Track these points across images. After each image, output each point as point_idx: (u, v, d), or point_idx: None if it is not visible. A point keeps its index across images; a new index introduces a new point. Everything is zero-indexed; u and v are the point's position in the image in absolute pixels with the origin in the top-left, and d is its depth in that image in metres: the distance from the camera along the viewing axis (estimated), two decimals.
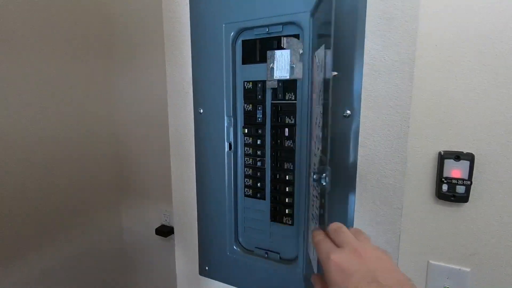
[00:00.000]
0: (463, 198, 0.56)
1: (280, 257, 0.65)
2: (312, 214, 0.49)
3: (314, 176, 0.45)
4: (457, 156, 0.57)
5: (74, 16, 0.97)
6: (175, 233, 0.79)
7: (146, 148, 1.08)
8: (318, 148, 0.47)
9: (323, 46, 0.44)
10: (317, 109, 0.47)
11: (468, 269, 0.57)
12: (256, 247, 0.68)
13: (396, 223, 0.52)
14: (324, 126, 0.42)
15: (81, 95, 1.01)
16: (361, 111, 0.52)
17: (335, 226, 0.36)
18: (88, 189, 1.05)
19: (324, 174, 0.41)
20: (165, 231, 1.01)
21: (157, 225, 1.06)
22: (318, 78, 0.47)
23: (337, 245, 0.34)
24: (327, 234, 0.37)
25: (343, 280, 0.30)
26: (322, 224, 0.40)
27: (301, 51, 0.57)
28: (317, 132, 0.47)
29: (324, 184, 0.41)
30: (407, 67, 0.48)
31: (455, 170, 0.58)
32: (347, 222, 0.55)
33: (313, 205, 0.49)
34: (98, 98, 1.07)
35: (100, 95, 1.08)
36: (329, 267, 0.31)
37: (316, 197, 0.47)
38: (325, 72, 0.43)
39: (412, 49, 0.48)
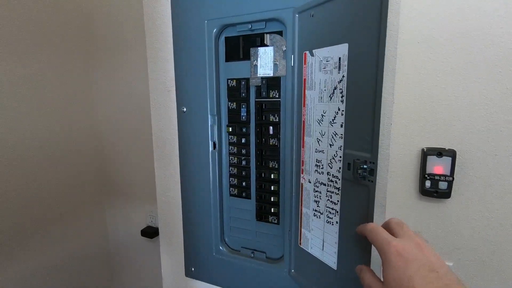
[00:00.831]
0: (446, 194, 0.57)
1: (266, 256, 0.65)
2: (328, 208, 0.49)
3: (358, 170, 0.44)
4: (439, 152, 0.57)
5: (52, 12, 0.93)
6: (160, 234, 0.78)
7: (130, 148, 1.05)
8: (329, 144, 0.47)
9: (338, 46, 0.44)
10: (325, 106, 0.47)
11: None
12: (242, 247, 0.67)
13: (380, 221, 0.52)
14: (350, 122, 0.43)
15: (61, 94, 0.98)
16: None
17: (397, 220, 0.39)
18: (70, 191, 1.02)
19: (367, 167, 0.41)
20: (150, 232, 0.99)
21: (143, 226, 1.04)
22: (325, 76, 0.47)
23: (397, 236, 0.36)
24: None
25: (404, 264, 0.31)
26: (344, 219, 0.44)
27: (284, 48, 0.56)
28: (329, 128, 0.47)
29: (368, 177, 0.41)
30: (390, 64, 0.48)
31: (437, 167, 0.58)
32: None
33: (328, 200, 0.49)
34: (79, 97, 1.03)
35: (81, 94, 1.04)
36: (389, 251, 0.33)
37: (334, 192, 0.47)
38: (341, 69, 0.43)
39: (394, 45, 0.48)
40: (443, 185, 0.57)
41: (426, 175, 0.57)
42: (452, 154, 0.56)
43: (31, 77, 0.89)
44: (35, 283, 0.94)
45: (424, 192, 0.58)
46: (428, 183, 0.57)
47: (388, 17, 0.40)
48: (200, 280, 0.73)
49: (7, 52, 0.83)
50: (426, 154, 0.58)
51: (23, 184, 0.89)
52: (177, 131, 0.69)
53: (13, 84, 0.85)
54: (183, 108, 0.67)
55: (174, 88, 0.68)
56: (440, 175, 0.57)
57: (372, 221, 0.42)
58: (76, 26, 1.01)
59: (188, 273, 0.74)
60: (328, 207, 0.50)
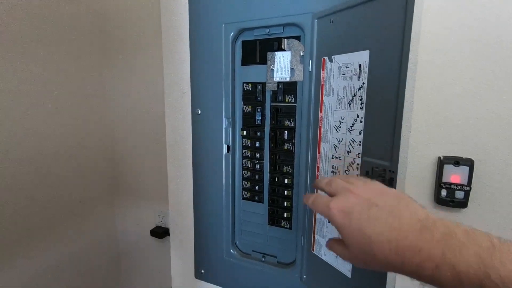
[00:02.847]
0: (462, 204, 0.56)
1: (277, 261, 0.65)
2: None
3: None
4: (457, 161, 0.57)
5: (67, 12, 0.94)
6: (170, 235, 0.78)
7: (141, 147, 1.06)
8: (347, 151, 0.47)
9: (359, 53, 0.43)
10: (343, 112, 0.47)
11: None
12: (253, 251, 0.67)
13: None
14: (369, 129, 0.42)
15: (74, 94, 0.98)
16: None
17: (326, 179, 0.38)
18: (80, 190, 1.03)
19: (385, 176, 0.40)
20: (160, 232, 0.99)
21: (152, 226, 1.04)
22: (344, 82, 0.47)
23: (332, 195, 0.35)
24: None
25: (348, 219, 0.31)
26: None
27: (302, 53, 0.56)
28: (346, 135, 0.47)
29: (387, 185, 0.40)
30: (410, 71, 0.48)
31: (454, 176, 0.57)
32: None
33: None
34: (92, 97, 1.04)
35: (95, 94, 1.05)
36: (332, 215, 0.33)
37: None
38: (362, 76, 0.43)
39: (415, 52, 0.47)
40: (459, 195, 0.56)
41: (442, 184, 0.57)
42: (469, 163, 0.56)
43: (45, 76, 0.90)
44: (44, 281, 0.95)
45: (440, 201, 0.57)
46: (444, 192, 0.57)
47: (413, 24, 0.40)
48: (209, 282, 0.73)
49: (21, 52, 0.85)
50: (442, 162, 0.57)
51: (34, 182, 0.90)
52: (191, 133, 0.69)
53: (26, 83, 0.86)
54: (198, 110, 0.67)
55: (189, 90, 0.68)
56: (456, 184, 0.56)
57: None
58: (91, 25, 1.02)
59: (198, 275, 0.74)
60: None
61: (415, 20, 0.46)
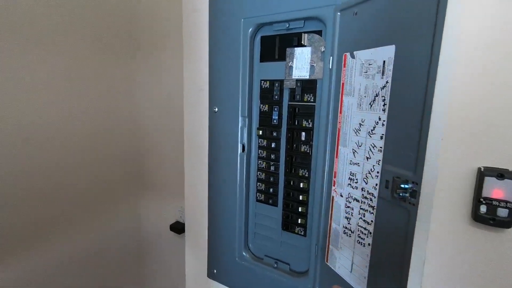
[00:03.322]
0: (505, 223, 0.48)
1: (290, 269, 0.61)
2: (360, 227, 0.45)
3: (398, 190, 0.39)
4: (501, 174, 0.49)
5: (99, 14, 0.99)
6: (185, 232, 0.78)
7: (165, 143, 1.08)
8: (366, 157, 0.42)
9: (384, 48, 0.39)
10: (364, 114, 0.42)
11: None
12: (265, 255, 0.65)
13: (422, 247, 0.46)
14: (391, 134, 0.37)
15: (104, 90, 1.03)
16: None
17: None
18: (108, 181, 1.08)
19: (408, 187, 0.36)
20: (179, 227, 1.01)
21: (172, 221, 1.06)
22: (366, 81, 0.42)
23: None
24: None
25: None
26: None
27: (323, 49, 0.52)
28: (366, 139, 0.42)
29: (408, 199, 0.36)
30: (445, 70, 0.42)
31: (497, 190, 0.50)
32: None
33: (361, 218, 0.44)
34: (121, 94, 1.09)
35: (123, 89, 1.10)
36: None
37: (368, 210, 0.43)
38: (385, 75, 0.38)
39: (451, 49, 0.41)
40: (502, 212, 0.48)
41: (481, 199, 0.49)
42: None
43: (78, 73, 0.95)
44: (69, 270, 1.01)
45: (478, 218, 0.50)
46: (483, 208, 0.49)
47: (447, 17, 0.34)
48: (221, 283, 0.71)
49: (54, 48, 0.90)
50: (483, 174, 0.50)
51: (62, 173, 0.95)
52: (207, 131, 0.68)
53: (60, 79, 0.92)
54: (215, 108, 0.66)
55: (207, 87, 0.67)
56: (499, 200, 0.49)
57: (411, 249, 0.37)
58: (120, 28, 1.06)
59: (210, 275, 0.73)
60: (360, 226, 0.45)
61: (454, 11, 0.40)
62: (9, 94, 0.82)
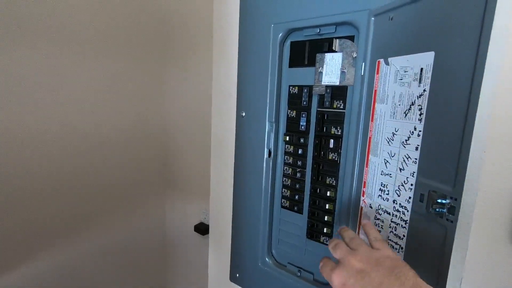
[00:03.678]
0: None
1: (314, 278, 0.60)
2: (391, 242, 0.43)
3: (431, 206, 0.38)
4: None
5: (133, 17, 1.03)
6: (209, 235, 0.79)
7: (192, 145, 1.10)
8: (399, 168, 0.41)
9: (421, 54, 0.37)
10: (398, 123, 0.41)
11: None
12: (289, 263, 0.64)
13: (459, 268, 0.43)
14: (428, 145, 0.36)
15: (135, 91, 1.07)
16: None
17: (333, 243, 0.43)
18: (136, 180, 1.12)
19: (446, 202, 0.35)
20: (202, 228, 1.02)
21: (196, 222, 1.08)
22: (401, 88, 0.41)
23: (352, 249, 0.39)
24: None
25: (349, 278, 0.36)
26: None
27: (354, 55, 0.50)
28: (400, 149, 0.41)
29: (446, 215, 0.35)
30: (490, 78, 0.39)
31: None
32: None
33: (392, 232, 0.43)
34: (152, 96, 1.13)
35: (154, 92, 1.14)
36: (333, 285, 0.38)
37: (400, 224, 0.41)
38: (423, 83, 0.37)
39: (499, 55, 0.38)
40: None
41: None
42: None
43: (112, 77, 1.00)
44: (96, 266, 1.05)
45: None
46: None
47: (495, 21, 0.32)
48: (243, 287, 0.71)
49: (92, 54, 0.95)
50: None
51: (94, 171, 1.00)
52: (234, 135, 0.69)
53: (97, 82, 0.97)
54: (242, 113, 0.66)
55: (235, 91, 0.67)
56: None
57: (447, 268, 0.35)
58: (154, 31, 1.10)
59: (233, 278, 0.73)
60: (391, 239, 0.43)
61: (502, 13, 0.37)
62: (45, 98, 0.87)
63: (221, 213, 0.76)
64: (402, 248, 0.41)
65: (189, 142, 1.11)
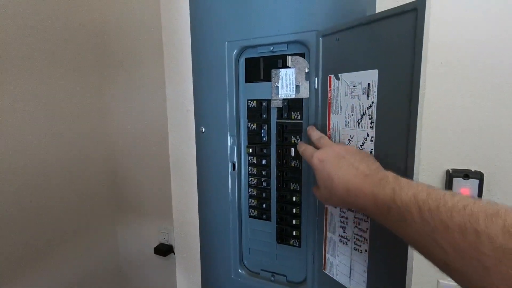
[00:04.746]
0: None
1: (287, 280, 0.63)
2: (356, 235, 0.48)
3: None
4: (466, 174, 0.56)
5: (66, 28, 0.94)
6: (176, 254, 0.77)
7: (144, 164, 1.05)
8: None
9: (367, 72, 0.43)
10: (353, 131, 0.47)
11: None
12: (262, 270, 0.66)
13: None
14: (380, 149, 0.41)
15: (76, 111, 0.98)
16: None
17: (318, 135, 0.51)
18: (82, 208, 1.01)
19: None
20: (164, 249, 0.97)
21: (155, 243, 1.02)
22: (352, 101, 0.46)
23: (318, 148, 0.48)
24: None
25: (321, 165, 0.43)
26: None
27: (307, 70, 0.56)
28: None
29: None
30: (419, 87, 0.47)
31: (464, 189, 0.57)
32: None
33: (356, 227, 0.48)
34: (94, 113, 1.03)
35: (95, 111, 1.04)
36: (312, 162, 0.45)
37: (363, 219, 0.47)
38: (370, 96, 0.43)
39: (423, 69, 0.47)
40: None
41: None
42: (479, 176, 0.55)
43: (44, 94, 0.89)
44: None
45: None
46: None
47: (424, 46, 0.39)
48: None
49: (19, 69, 0.84)
50: (451, 176, 0.57)
51: (36, 201, 0.89)
52: (195, 151, 0.68)
53: (25, 100, 0.85)
54: (202, 129, 0.66)
55: (192, 107, 0.67)
56: None
57: (406, 250, 0.41)
58: (91, 42, 1.01)
59: None
60: (356, 234, 0.48)
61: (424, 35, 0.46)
62: None
63: (186, 231, 0.75)
64: (366, 240, 0.47)
65: (140, 162, 1.05)
